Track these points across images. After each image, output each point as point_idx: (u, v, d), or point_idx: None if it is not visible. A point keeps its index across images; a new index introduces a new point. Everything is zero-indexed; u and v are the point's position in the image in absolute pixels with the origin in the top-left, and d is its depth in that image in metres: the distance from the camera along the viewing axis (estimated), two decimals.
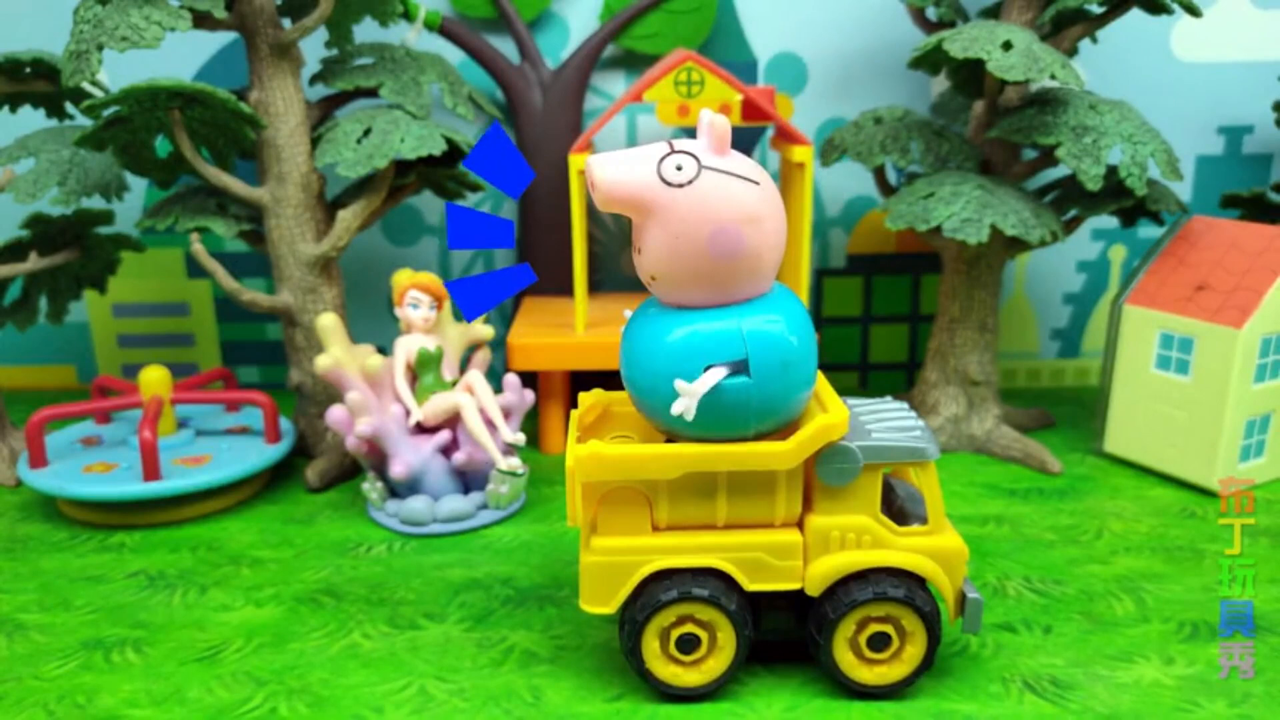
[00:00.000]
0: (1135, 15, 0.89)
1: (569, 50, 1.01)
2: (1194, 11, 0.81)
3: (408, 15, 0.94)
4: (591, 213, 1.06)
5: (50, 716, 0.54)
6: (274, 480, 0.86)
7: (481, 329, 0.83)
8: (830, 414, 0.52)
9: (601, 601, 0.54)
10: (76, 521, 0.78)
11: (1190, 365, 0.81)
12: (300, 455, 0.90)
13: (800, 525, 0.55)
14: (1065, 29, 0.86)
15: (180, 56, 1.00)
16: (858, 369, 1.12)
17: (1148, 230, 1.07)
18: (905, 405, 0.59)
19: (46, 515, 0.80)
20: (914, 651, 0.54)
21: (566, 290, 1.01)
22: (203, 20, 0.77)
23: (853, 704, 0.55)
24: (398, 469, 0.75)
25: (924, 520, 0.55)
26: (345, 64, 0.87)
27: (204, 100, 0.75)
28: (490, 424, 0.78)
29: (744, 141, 1.05)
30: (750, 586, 0.54)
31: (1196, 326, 0.80)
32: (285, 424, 0.87)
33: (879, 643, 0.54)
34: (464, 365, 0.83)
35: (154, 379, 0.83)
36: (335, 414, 0.75)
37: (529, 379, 0.90)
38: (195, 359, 1.12)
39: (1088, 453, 0.91)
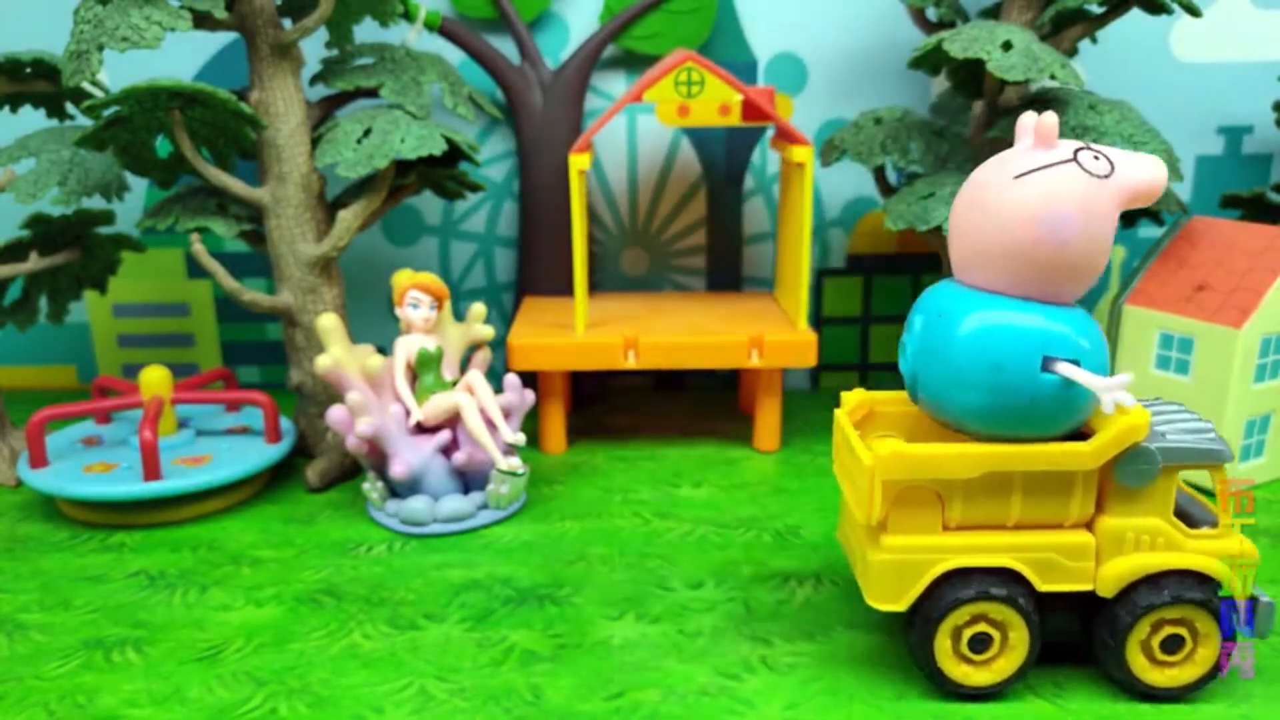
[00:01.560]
0: (1135, 15, 0.89)
1: (569, 50, 1.01)
2: (1194, 11, 0.81)
3: (408, 15, 0.94)
4: (591, 213, 1.06)
5: (50, 716, 0.54)
6: (274, 480, 0.86)
7: (481, 329, 0.83)
8: (1132, 415, 0.52)
9: (891, 599, 0.54)
10: (77, 521, 0.78)
11: (1190, 365, 0.81)
12: (300, 455, 0.90)
13: (1089, 526, 0.54)
14: (1065, 29, 0.86)
15: (180, 56, 1.00)
16: (858, 369, 1.12)
17: (1148, 230, 1.07)
18: (1183, 405, 0.59)
19: (47, 515, 0.80)
20: (1206, 654, 0.54)
21: (566, 290, 1.01)
22: (203, 20, 0.77)
23: (853, 703, 0.55)
24: (398, 469, 0.75)
25: (1210, 523, 0.55)
26: (345, 64, 0.87)
27: (204, 100, 0.75)
28: (490, 424, 0.78)
29: (744, 142, 1.05)
30: (1043, 587, 0.54)
31: (1196, 327, 0.80)
32: (285, 424, 0.87)
33: (1171, 645, 0.54)
34: (464, 365, 0.83)
35: (154, 379, 0.83)
36: (335, 414, 0.75)
37: (529, 379, 0.90)
38: (195, 359, 1.12)
39: None
